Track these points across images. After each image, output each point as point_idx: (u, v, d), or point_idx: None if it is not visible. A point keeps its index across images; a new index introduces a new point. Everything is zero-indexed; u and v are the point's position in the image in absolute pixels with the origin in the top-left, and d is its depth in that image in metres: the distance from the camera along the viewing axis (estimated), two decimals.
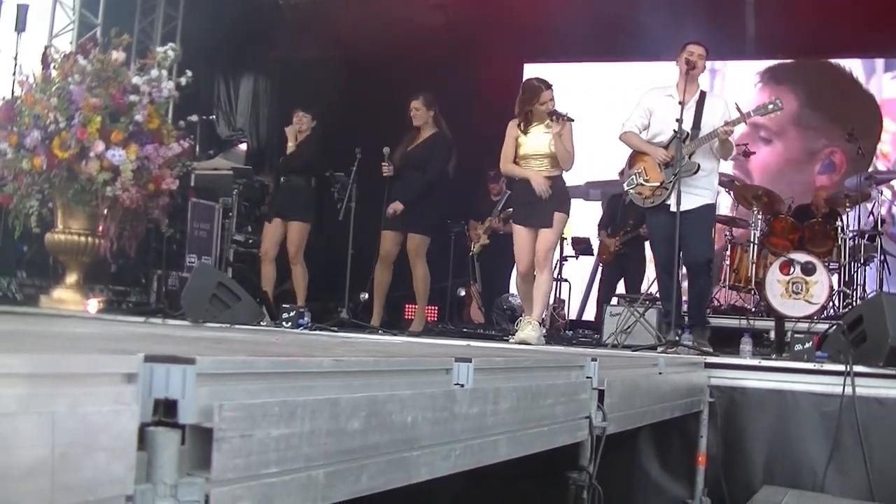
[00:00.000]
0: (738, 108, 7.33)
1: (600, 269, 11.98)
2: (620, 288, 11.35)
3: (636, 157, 7.80)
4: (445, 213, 9.94)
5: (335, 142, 9.70)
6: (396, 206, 8.85)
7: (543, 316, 8.19)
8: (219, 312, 7.01)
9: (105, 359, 1.55)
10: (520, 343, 7.20)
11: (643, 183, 7.65)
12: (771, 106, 7.40)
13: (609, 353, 6.30)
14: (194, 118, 9.21)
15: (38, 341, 2.39)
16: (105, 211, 8.11)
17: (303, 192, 9.53)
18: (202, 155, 11.56)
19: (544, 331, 7.74)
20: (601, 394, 3.46)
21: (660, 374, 4.55)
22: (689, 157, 7.36)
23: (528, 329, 7.36)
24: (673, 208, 7.22)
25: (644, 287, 10.51)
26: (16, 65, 9.66)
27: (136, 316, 7.47)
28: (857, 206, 10.58)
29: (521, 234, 7.77)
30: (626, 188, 7.98)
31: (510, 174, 8.03)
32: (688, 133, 7.40)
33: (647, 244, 11.05)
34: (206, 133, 12.65)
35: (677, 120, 7.25)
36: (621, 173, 10.92)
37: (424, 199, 8.93)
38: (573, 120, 7.69)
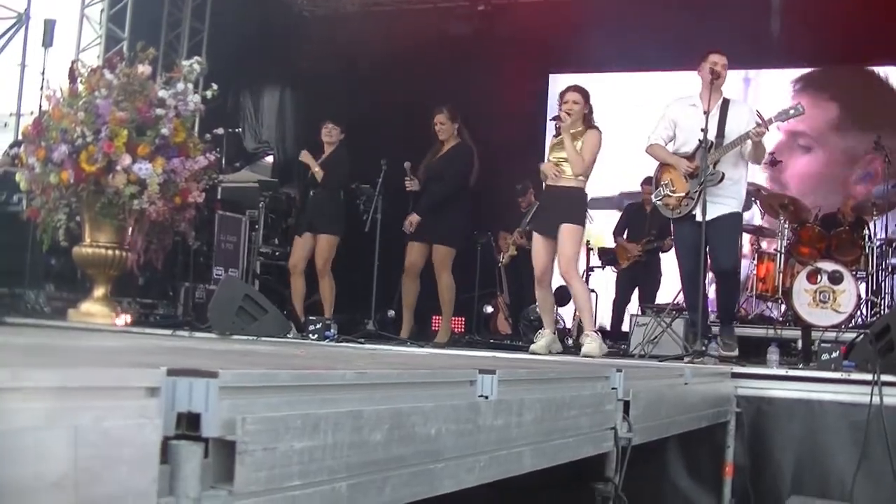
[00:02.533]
0: (760, 115, 7.31)
1: (615, 275, 11.93)
2: (634, 297, 11.37)
3: (663, 168, 7.79)
4: (471, 224, 9.93)
5: (361, 154, 9.72)
6: (413, 219, 8.88)
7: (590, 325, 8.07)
8: (246, 325, 7.03)
9: (129, 373, 1.57)
10: (584, 356, 7.16)
11: (670, 194, 7.64)
12: (792, 111, 7.36)
13: (635, 364, 6.28)
14: (220, 131, 9.24)
15: (65, 355, 2.41)
16: (132, 224, 8.14)
17: (332, 205, 9.53)
18: (228, 168, 11.60)
19: (600, 338, 7.68)
20: (626, 405, 3.46)
21: (686, 384, 4.53)
22: (714, 166, 7.33)
23: (588, 342, 7.35)
24: (699, 218, 7.20)
25: (666, 297, 10.49)
26: (43, 79, 9.74)
27: (164, 329, 7.50)
28: (885, 215, 10.52)
29: (537, 240, 7.79)
30: (654, 200, 7.97)
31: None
32: (712, 142, 7.38)
33: (662, 256, 11.14)
34: (232, 146, 12.70)
35: (702, 129, 7.23)
36: (644, 183, 10.98)
37: (448, 210, 8.95)
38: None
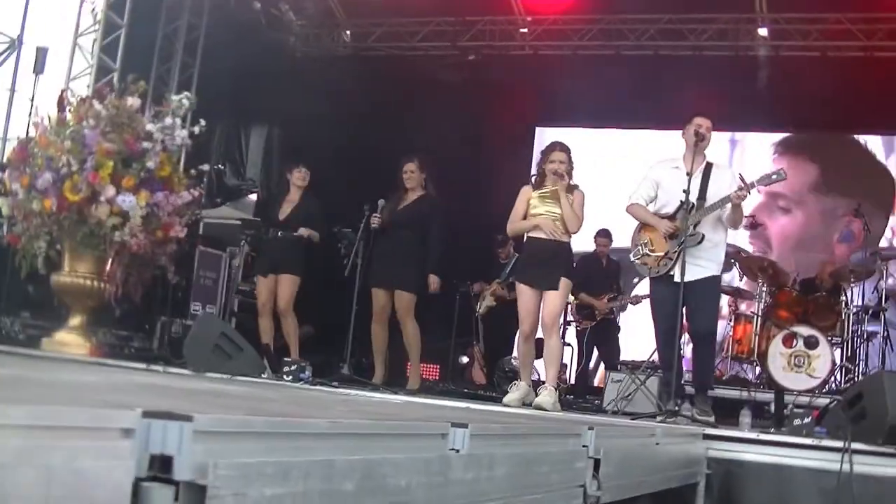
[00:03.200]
0: (742, 179, 7.36)
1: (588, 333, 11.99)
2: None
3: (643, 228, 7.83)
4: (446, 273, 9.96)
5: (344, 197, 9.75)
6: (433, 280, 9.02)
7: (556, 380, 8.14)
8: (220, 363, 7.01)
9: (103, 413, 1.57)
10: (536, 408, 7.19)
11: (649, 253, 7.67)
12: (775, 176, 7.41)
13: (607, 421, 6.27)
14: (205, 167, 9.26)
15: (39, 390, 2.41)
16: (112, 256, 8.12)
17: (295, 247, 9.58)
18: (208, 203, 11.60)
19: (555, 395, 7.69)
20: (597, 463, 3.46)
21: (657, 444, 4.54)
22: (695, 228, 7.38)
23: (545, 394, 7.37)
24: (677, 278, 7.23)
25: (628, 353, 10.59)
26: (32, 106, 9.74)
27: (138, 362, 7.46)
28: (862, 282, 10.61)
29: (526, 293, 7.77)
30: (632, 259, 8.00)
31: (517, 231, 8.07)
32: (693, 203, 7.43)
33: (622, 314, 11.30)
34: (216, 183, 12.72)
35: (684, 191, 7.29)
36: (597, 236, 11.18)
37: (410, 256, 9.02)
38: (575, 186, 7.75)
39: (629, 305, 11.54)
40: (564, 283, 7.67)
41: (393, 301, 9.07)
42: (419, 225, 9.13)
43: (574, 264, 7.98)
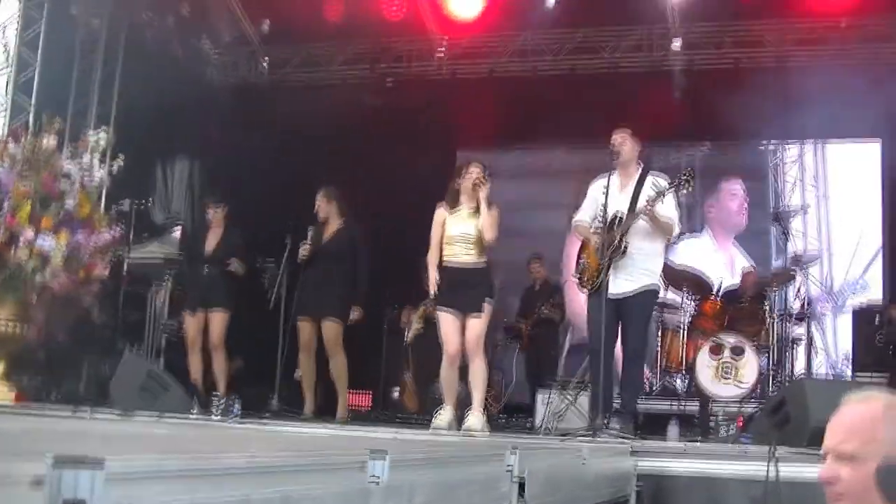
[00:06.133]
0: (655, 185, 7.44)
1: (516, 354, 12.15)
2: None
3: (584, 245, 7.91)
4: (372, 300, 9.97)
5: (264, 229, 9.72)
6: (357, 313, 9.06)
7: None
8: (148, 402, 6.97)
9: (14, 463, 1.57)
10: (466, 431, 7.20)
11: (585, 268, 7.75)
12: (684, 178, 7.46)
13: (532, 442, 6.30)
14: (125, 205, 9.18)
15: None
16: (34, 298, 8.01)
17: (224, 281, 9.53)
18: (135, 240, 11.48)
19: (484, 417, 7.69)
20: (522, 484, 3.48)
21: (584, 462, 4.57)
22: (621, 239, 7.42)
23: (473, 417, 7.39)
24: (608, 292, 7.31)
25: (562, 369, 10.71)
26: None
27: (65, 406, 7.36)
28: (784, 288, 10.78)
29: (447, 318, 7.74)
30: (573, 275, 8.07)
31: (431, 263, 7.95)
32: (617, 216, 7.50)
33: (559, 328, 11.45)
34: (140, 219, 12.60)
35: (602, 205, 7.37)
36: (530, 261, 11.40)
37: (334, 285, 9.02)
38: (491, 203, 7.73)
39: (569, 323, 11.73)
40: (488, 306, 7.65)
41: (319, 332, 9.06)
42: (342, 255, 9.14)
43: (494, 285, 7.91)
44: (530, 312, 11.77)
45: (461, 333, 7.67)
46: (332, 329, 9.02)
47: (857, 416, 2.49)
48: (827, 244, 12.56)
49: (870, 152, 12.92)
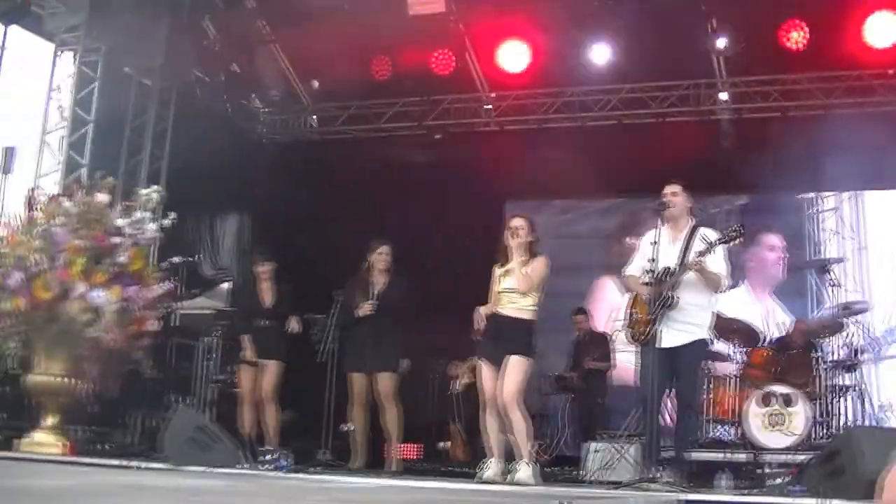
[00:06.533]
0: (705, 239, 7.43)
1: (568, 405, 12.14)
2: None
3: (635, 297, 7.91)
4: (423, 353, 10.03)
5: (314, 283, 9.77)
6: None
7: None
8: (197, 455, 6.99)
9: None
10: (514, 485, 7.17)
11: (637, 321, 7.74)
12: (733, 233, 7.47)
13: (580, 492, 6.26)
14: (177, 260, 9.28)
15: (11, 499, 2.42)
16: (86, 352, 8.09)
17: (276, 333, 9.60)
18: (185, 294, 11.58)
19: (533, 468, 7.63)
20: None
21: None
22: (672, 292, 7.41)
23: (521, 470, 7.38)
24: (659, 344, 7.29)
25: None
26: (1, 206, 9.75)
27: (115, 458, 7.41)
28: (834, 337, 10.68)
29: (485, 369, 7.81)
30: (620, 328, 8.07)
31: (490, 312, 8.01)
32: (668, 269, 7.49)
33: (608, 378, 11.41)
34: (190, 273, 12.72)
35: (650, 259, 7.36)
36: (573, 314, 11.44)
37: (391, 340, 9.06)
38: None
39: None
40: (516, 360, 7.60)
41: (372, 384, 9.09)
42: (395, 307, 9.16)
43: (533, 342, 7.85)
44: (579, 364, 11.77)
45: (496, 383, 7.66)
46: (387, 380, 9.06)
47: None
48: (867, 294, 12.40)
49: None
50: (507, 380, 7.58)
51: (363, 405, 9.17)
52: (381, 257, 9.27)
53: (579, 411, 11.89)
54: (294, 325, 9.52)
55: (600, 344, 11.92)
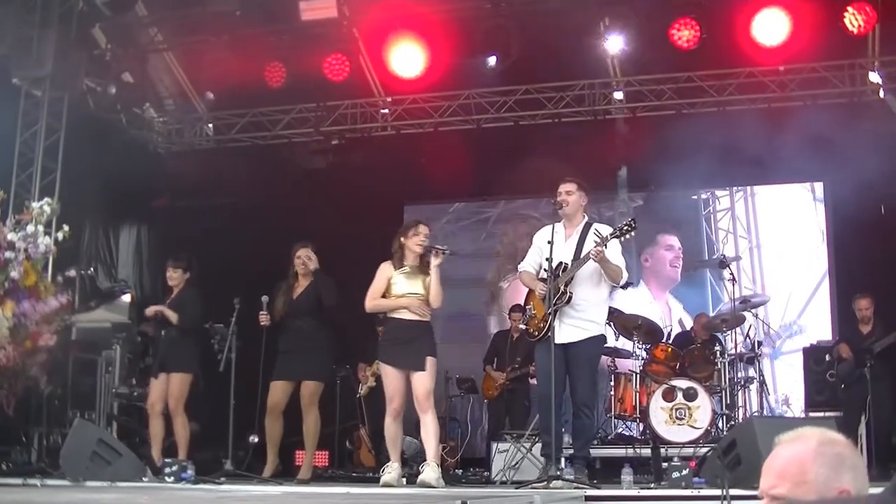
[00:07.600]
0: (599, 235, 7.49)
1: (486, 405, 12.16)
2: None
3: (530, 294, 7.96)
4: (335, 357, 9.97)
5: (215, 292, 9.65)
6: None
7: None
8: (99, 470, 6.89)
9: None
10: (420, 486, 7.20)
11: (532, 318, 7.79)
12: (626, 227, 7.55)
13: (484, 492, 6.30)
14: (72, 273, 9.12)
15: None
16: None
17: (183, 344, 9.44)
18: (82, 307, 11.38)
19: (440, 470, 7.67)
20: None
21: None
22: (565, 288, 7.48)
23: (428, 470, 7.40)
24: (555, 340, 7.34)
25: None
26: None
27: (15, 477, 7.27)
28: (734, 330, 10.88)
29: (391, 374, 7.86)
30: (520, 325, 8.12)
31: (379, 308, 8.14)
32: (562, 265, 7.55)
33: (532, 381, 11.39)
34: (86, 286, 12.49)
35: (547, 259, 7.41)
36: (511, 311, 11.36)
37: (315, 344, 8.98)
38: (452, 252, 7.87)
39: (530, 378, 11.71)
40: (431, 361, 7.77)
41: (292, 392, 8.99)
42: (316, 310, 9.09)
43: (434, 339, 8.01)
44: (508, 364, 11.71)
45: (404, 388, 7.78)
46: (311, 388, 8.96)
47: (786, 458, 2.41)
48: (763, 291, 12.63)
49: (801, 195, 13.09)
50: (420, 383, 7.68)
51: (277, 414, 9.05)
52: (298, 261, 9.13)
53: (499, 413, 11.85)
54: (168, 314, 9.36)
55: (530, 344, 11.89)
